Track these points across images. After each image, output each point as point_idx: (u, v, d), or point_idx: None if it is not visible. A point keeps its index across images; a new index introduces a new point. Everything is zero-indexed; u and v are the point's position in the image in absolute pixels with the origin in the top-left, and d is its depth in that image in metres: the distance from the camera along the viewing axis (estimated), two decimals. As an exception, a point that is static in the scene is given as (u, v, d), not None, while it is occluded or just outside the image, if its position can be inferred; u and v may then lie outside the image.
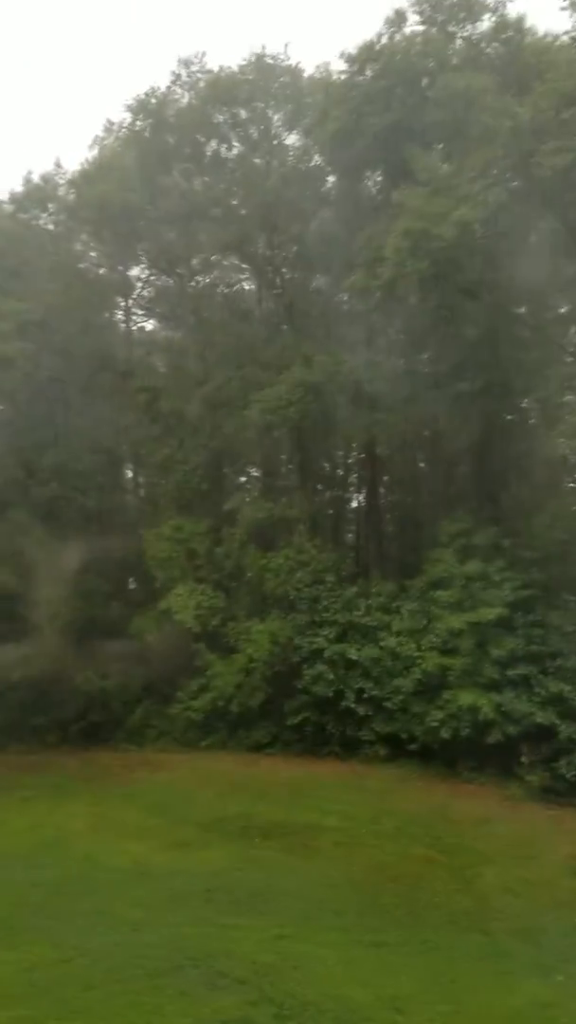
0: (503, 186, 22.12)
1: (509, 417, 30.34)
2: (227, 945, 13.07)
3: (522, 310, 28.47)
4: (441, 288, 24.91)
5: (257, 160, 32.22)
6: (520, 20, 27.72)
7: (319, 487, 35.88)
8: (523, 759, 22.57)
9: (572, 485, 29.74)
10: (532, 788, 22.16)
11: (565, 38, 24.77)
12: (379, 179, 30.24)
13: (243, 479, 37.90)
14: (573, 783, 21.56)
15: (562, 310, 29.70)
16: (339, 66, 29.44)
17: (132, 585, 35.00)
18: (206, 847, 18.82)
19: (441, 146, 26.76)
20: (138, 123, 31.87)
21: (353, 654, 25.81)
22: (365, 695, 25.55)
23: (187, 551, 30.00)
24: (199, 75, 31.68)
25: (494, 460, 29.51)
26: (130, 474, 38.24)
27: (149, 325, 39.27)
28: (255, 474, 37.55)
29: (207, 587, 29.34)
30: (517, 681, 23.32)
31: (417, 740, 24.48)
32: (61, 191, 34.38)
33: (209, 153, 32.75)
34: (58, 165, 35.07)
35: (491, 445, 29.37)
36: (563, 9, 22.11)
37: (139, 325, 38.74)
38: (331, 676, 25.76)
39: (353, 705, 25.58)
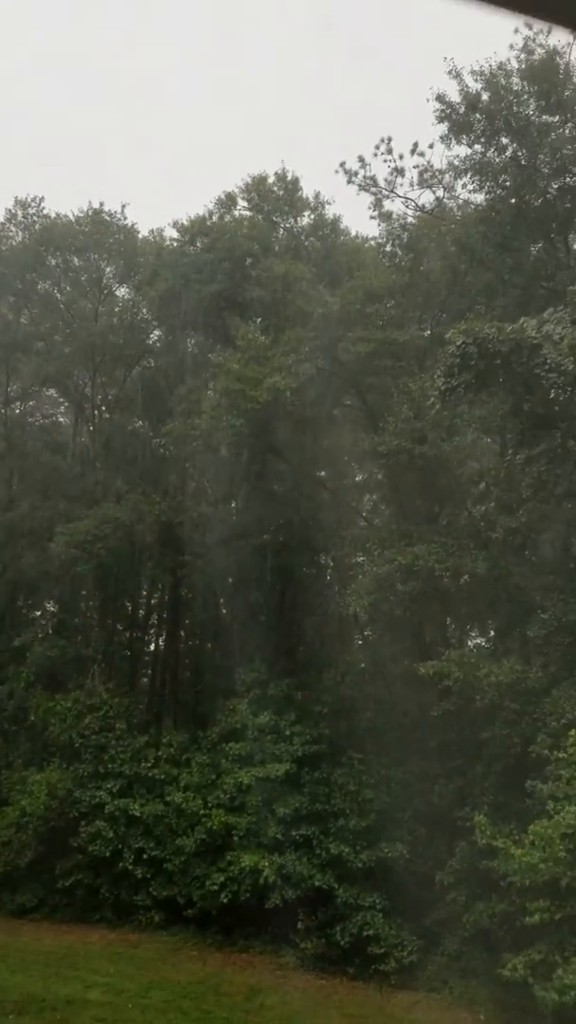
0: (312, 363, 24.11)
1: (307, 571, 31.71)
2: None
3: (323, 474, 30.55)
4: (252, 445, 26.36)
5: (86, 304, 33.17)
6: (336, 221, 31.63)
7: (118, 627, 35.02)
8: (299, 925, 21.95)
9: (360, 642, 31.08)
10: (307, 956, 21.51)
11: (372, 243, 28.34)
12: (201, 339, 32.12)
13: (38, 613, 36.27)
14: (347, 950, 21.12)
15: (358, 478, 32.28)
16: (171, 233, 31.89)
17: None
18: (-52, 1029, 16.69)
19: (259, 319, 29.04)
20: (-34, 252, 32.11)
21: (136, 810, 24.52)
22: (145, 855, 24.18)
23: (-35, 689, 27.96)
24: (35, 218, 32.67)
25: (292, 612, 30.39)
26: None
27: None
28: (51, 609, 36.08)
29: (-17, 731, 27.32)
30: (299, 842, 22.93)
31: (195, 905, 23.26)
32: None
33: (40, 291, 33.36)
34: None
35: (290, 597, 30.32)
36: (372, 218, 25.48)
37: None
38: (110, 834, 24.24)
39: (131, 867, 24.07)
